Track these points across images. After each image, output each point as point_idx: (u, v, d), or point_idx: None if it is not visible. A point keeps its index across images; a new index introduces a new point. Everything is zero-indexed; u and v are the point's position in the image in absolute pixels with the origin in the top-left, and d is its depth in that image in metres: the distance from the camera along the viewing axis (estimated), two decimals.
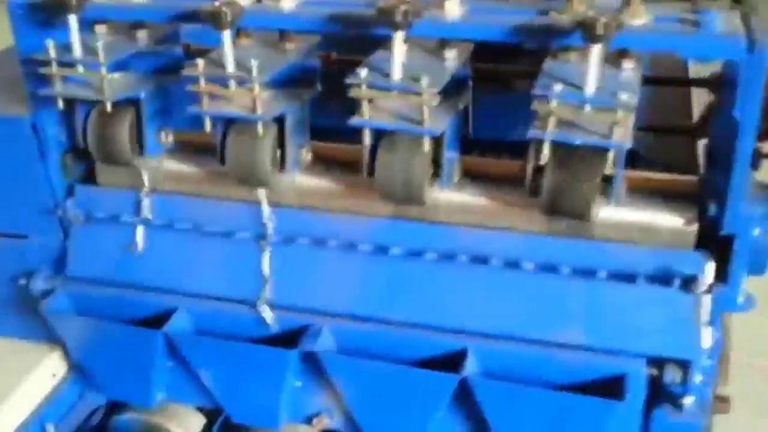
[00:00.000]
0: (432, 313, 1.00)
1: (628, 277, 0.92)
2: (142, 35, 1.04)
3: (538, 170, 0.91)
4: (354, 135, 0.93)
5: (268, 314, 1.05)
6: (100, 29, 1.04)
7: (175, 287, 1.10)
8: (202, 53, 1.15)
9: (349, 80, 0.88)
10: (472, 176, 1.01)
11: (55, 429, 1.19)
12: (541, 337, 0.96)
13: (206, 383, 1.12)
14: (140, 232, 1.10)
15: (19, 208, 1.15)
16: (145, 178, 1.09)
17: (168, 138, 1.08)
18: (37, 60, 1.02)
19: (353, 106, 0.90)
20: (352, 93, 0.89)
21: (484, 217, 0.99)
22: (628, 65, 0.89)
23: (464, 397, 0.99)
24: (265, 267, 1.05)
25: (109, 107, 0.99)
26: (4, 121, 1.09)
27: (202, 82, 0.93)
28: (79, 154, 1.14)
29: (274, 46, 1.01)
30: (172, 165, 1.10)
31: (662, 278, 0.91)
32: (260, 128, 0.95)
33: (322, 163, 1.06)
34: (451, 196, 0.99)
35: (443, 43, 0.96)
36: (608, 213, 0.93)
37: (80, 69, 0.99)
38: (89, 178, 1.15)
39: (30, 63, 1.04)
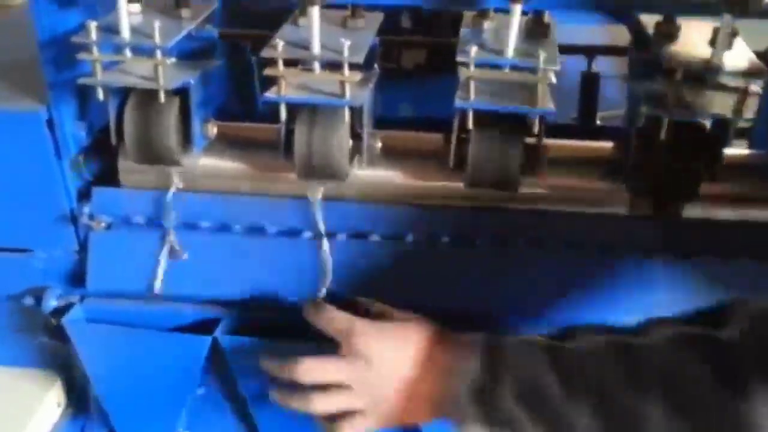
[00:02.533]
0: None
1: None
2: (186, 14, 0.92)
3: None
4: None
5: None
6: (134, 8, 0.91)
7: (217, 296, 0.99)
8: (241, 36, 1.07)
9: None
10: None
11: None
12: None
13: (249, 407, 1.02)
14: (169, 237, 0.98)
15: (23, 218, 0.99)
16: (180, 176, 0.97)
17: (213, 131, 0.97)
18: (58, 43, 0.89)
19: None
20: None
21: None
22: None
23: None
24: (327, 264, 0.96)
25: (162, 97, 0.87)
26: (15, 116, 0.93)
27: (281, 66, 0.85)
28: (93, 152, 1.00)
29: None
30: (209, 161, 0.99)
31: None
32: (346, 115, 0.87)
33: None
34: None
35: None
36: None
37: (128, 54, 0.86)
38: (102, 179, 1.02)
39: (50, 47, 0.90)
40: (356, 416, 0.83)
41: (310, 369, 0.82)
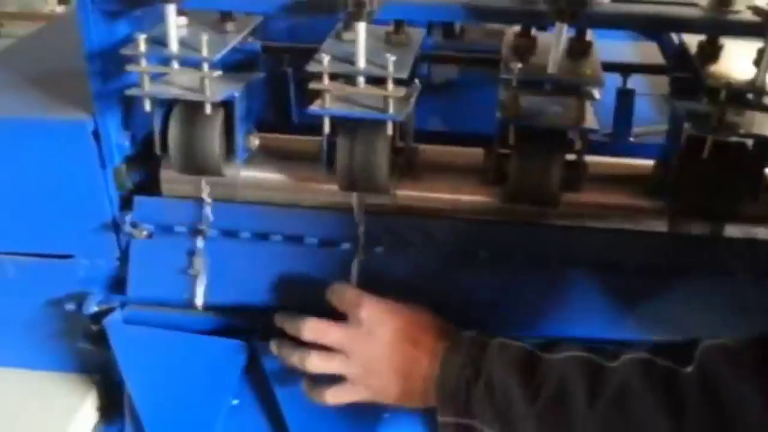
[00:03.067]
0: None
1: None
2: (231, 27, 0.93)
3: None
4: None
5: None
6: (180, 21, 0.92)
7: (255, 305, 1.00)
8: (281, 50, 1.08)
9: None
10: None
11: None
12: None
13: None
14: (209, 245, 0.99)
15: (68, 225, 1.01)
16: (221, 186, 0.99)
17: (255, 142, 0.99)
18: (105, 55, 0.91)
19: None
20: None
21: None
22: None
23: None
24: (354, 276, 0.97)
25: (208, 109, 0.89)
26: (64, 126, 0.94)
27: (326, 80, 0.86)
28: (136, 161, 1.02)
29: None
30: (251, 172, 1.00)
31: None
32: (389, 129, 0.88)
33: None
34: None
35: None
36: None
37: (175, 66, 0.88)
38: (144, 188, 1.03)
39: (97, 59, 0.91)
40: (344, 384, 0.87)
41: (314, 328, 0.87)
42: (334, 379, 0.89)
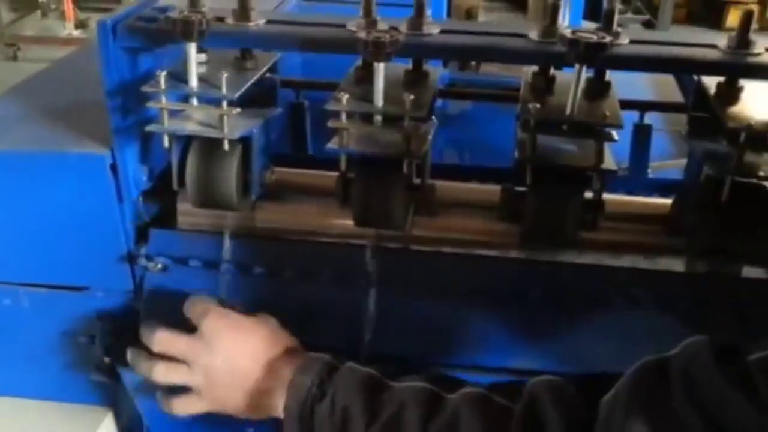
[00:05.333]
0: None
1: None
2: (250, 64, 0.94)
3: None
4: None
5: None
6: (200, 57, 0.93)
7: None
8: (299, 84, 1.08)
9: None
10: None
11: None
12: None
13: None
14: (224, 280, 0.99)
15: (83, 257, 1.01)
16: (237, 220, 0.99)
17: (272, 177, 0.99)
18: (125, 90, 0.92)
19: None
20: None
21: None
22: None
23: None
24: (371, 312, 0.96)
25: (226, 146, 0.89)
26: (82, 159, 0.95)
27: (344, 119, 0.86)
28: (152, 195, 1.02)
29: None
30: (267, 206, 1.00)
31: None
32: (405, 166, 0.88)
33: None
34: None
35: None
36: None
37: (194, 102, 0.88)
38: (160, 221, 1.03)
39: (117, 94, 0.92)
40: (191, 395, 0.90)
41: (161, 339, 0.90)
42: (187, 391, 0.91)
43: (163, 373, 0.90)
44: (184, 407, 0.91)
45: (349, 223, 0.95)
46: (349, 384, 0.80)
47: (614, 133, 0.82)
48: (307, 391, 0.81)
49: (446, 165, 1.09)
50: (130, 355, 0.94)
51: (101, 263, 1.01)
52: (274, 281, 0.98)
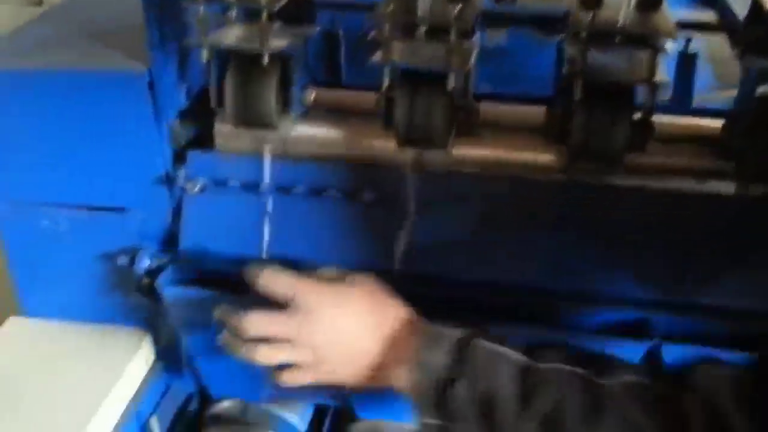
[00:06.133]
0: None
1: None
2: None
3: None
4: None
5: None
6: None
7: (307, 262, 0.98)
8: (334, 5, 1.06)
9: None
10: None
11: (158, 420, 1.06)
12: None
13: None
14: (264, 201, 0.98)
15: (121, 178, 1.00)
16: (276, 140, 0.97)
17: (311, 96, 0.97)
18: (162, 4, 0.90)
19: None
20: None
21: None
22: None
23: None
24: (407, 234, 0.95)
25: (266, 60, 0.87)
26: (119, 77, 0.93)
27: (388, 30, 0.84)
28: (190, 116, 1.01)
29: None
30: (306, 126, 0.99)
31: None
32: (450, 83, 0.86)
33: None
34: None
35: None
36: None
37: (233, 16, 0.86)
38: (197, 142, 1.02)
39: (154, 8, 0.90)
40: (296, 369, 0.85)
41: (256, 322, 0.84)
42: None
43: (267, 355, 0.84)
44: (294, 380, 0.86)
45: (391, 144, 0.93)
46: (487, 364, 0.75)
47: (668, 46, 0.79)
48: (438, 370, 0.75)
49: (484, 94, 1.06)
50: (222, 340, 0.89)
51: (140, 184, 1.00)
52: (314, 202, 0.97)
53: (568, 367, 0.74)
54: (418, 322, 0.82)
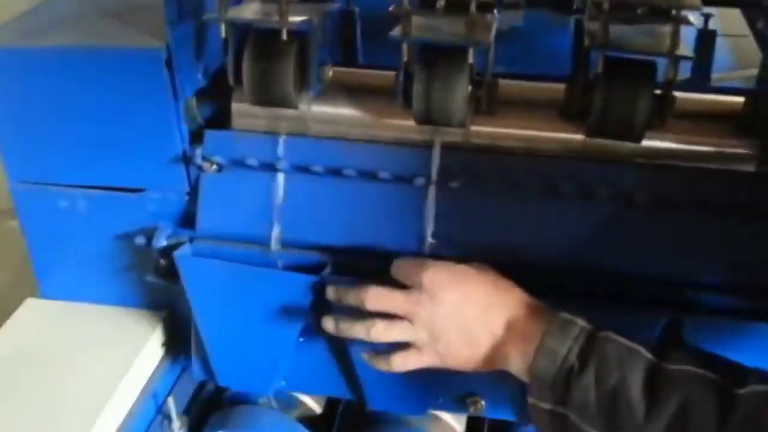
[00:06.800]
0: None
1: None
2: None
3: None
4: None
5: None
6: None
7: (326, 241, 0.98)
8: None
9: None
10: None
11: (174, 401, 1.06)
12: None
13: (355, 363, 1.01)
14: (281, 180, 0.98)
15: (138, 157, 1.00)
16: (294, 120, 0.97)
17: (329, 75, 0.97)
18: None
19: None
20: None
21: None
22: None
23: None
24: (430, 215, 0.94)
25: (284, 35, 0.87)
26: (136, 54, 0.93)
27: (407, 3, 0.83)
28: (207, 95, 1.01)
29: None
30: (324, 105, 0.98)
31: None
32: (469, 58, 0.85)
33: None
34: None
35: None
36: None
37: None
38: (214, 122, 1.02)
39: None
40: (411, 350, 0.84)
41: (377, 295, 0.83)
42: (398, 346, 0.86)
43: (383, 331, 0.83)
44: (403, 363, 0.85)
45: (409, 122, 0.93)
46: (617, 358, 0.73)
47: (692, 17, 0.79)
48: (563, 359, 0.74)
49: (501, 73, 1.05)
50: (329, 322, 0.89)
51: (157, 164, 1.00)
52: (333, 181, 0.96)
53: (699, 371, 0.71)
54: (544, 308, 0.81)
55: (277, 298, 0.99)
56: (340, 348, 1.01)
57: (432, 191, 0.93)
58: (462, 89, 0.87)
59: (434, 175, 0.93)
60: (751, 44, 1.17)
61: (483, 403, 1.00)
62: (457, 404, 1.02)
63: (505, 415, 1.02)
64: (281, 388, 1.08)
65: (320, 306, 0.98)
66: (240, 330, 1.02)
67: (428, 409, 1.05)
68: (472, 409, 1.01)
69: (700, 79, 1.16)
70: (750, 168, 0.91)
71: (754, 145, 0.90)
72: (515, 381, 0.81)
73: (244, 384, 1.10)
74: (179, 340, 1.11)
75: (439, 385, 1.01)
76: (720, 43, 1.22)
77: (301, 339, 1.03)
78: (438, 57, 0.86)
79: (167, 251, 1.01)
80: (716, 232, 0.89)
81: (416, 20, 0.85)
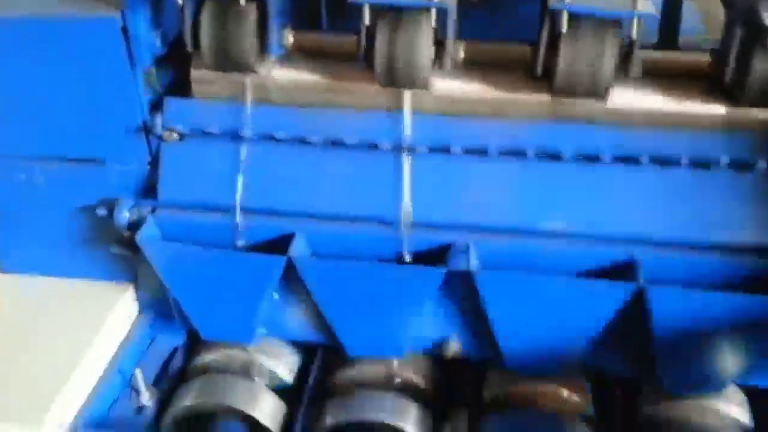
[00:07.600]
0: None
1: None
2: None
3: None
4: None
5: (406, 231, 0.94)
6: None
7: (289, 209, 0.97)
8: None
9: None
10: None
11: (143, 372, 1.05)
12: None
13: (326, 315, 1.00)
14: (245, 149, 0.96)
15: (97, 128, 0.98)
16: (254, 86, 0.95)
17: (290, 39, 0.95)
18: None
19: None
20: None
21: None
22: None
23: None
24: (406, 181, 0.93)
25: (243, 0, 0.85)
26: (90, 23, 0.91)
27: None
28: (165, 63, 0.98)
29: None
30: (285, 70, 0.96)
31: None
32: (432, 18, 0.84)
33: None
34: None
35: None
36: None
37: None
38: (175, 91, 1.00)
39: None
40: None
41: None
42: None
43: None
44: None
45: (373, 87, 0.91)
46: None
47: None
48: None
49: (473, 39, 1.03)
50: None
51: (117, 134, 0.98)
52: (297, 149, 0.95)
53: None
54: None
55: (244, 274, 0.97)
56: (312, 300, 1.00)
57: (406, 156, 0.92)
58: (425, 47, 0.86)
59: (407, 140, 0.92)
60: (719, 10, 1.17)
61: (458, 343, 1.01)
62: (431, 346, 1.02)
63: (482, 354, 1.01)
64: (262, 335, 1.06)
65: (290, 273, 0.97)
66: (211, 296, 1.01)
67: (405, 351, 1.03)
68: (447, 350, 1.01)
69: (667, 41, 1.15)
70: (716, 125, 0.91)
71: (720, 102, 0.90)
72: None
73: (226, 335, 1.08)
74: (148, 310, 1.09)
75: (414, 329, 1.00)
76: (688, 8, 1.21)
77: (275, 296, 1.02)
78: (399, 17, 0.85)
79: (130, 224, 0.99)
80: (683, 190, 0.89)
81: None
